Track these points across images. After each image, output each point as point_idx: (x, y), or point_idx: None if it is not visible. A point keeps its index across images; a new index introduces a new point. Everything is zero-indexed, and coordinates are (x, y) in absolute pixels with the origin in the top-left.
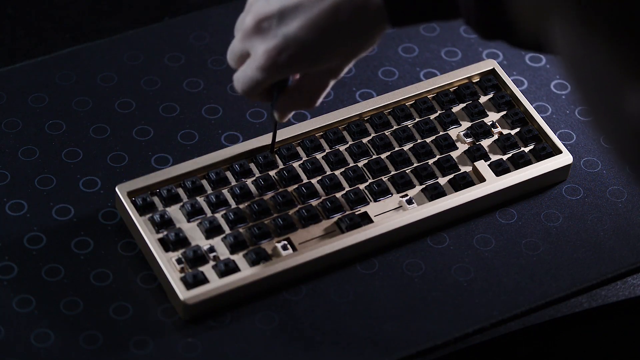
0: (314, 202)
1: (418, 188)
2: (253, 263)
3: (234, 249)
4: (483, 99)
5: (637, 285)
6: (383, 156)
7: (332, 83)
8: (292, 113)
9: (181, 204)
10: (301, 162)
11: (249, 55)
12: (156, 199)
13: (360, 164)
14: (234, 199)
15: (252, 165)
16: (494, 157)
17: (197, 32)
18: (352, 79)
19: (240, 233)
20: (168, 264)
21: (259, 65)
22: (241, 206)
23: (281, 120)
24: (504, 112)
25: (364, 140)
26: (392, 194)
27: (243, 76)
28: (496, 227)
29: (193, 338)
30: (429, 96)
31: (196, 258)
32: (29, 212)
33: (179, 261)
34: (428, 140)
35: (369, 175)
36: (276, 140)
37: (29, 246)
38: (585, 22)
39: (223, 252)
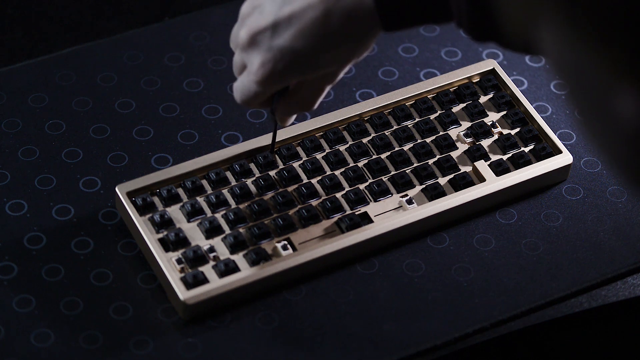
0: (314, 202)
1: (418, 188)
2: (253, 263)
3: (234, 249)
4: (483, 99)
5: (637, 285)
6: (383, 156)
7: (328, 88)
8: (294, 117)
9: (181, 204)
10: (301, 162)
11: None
12: (156, 199)
13: (360, 164)
14: (234, 199)
15: (252, 165)
16: (494, 157)
17: (197, 32)
18: (352, 79)
19: (240, 233)
20: (168, 264)
21: (255, 79)
22: (241, 206)
23: (283, 124)
24: (504, 112)
25: (364, 140)
26: (392, 194)
27: (241, 87)
28: (496, 227)
29: (193, 338)
30: (429, 96)
31: (196, 258)
32: (29, 212)
33: (179, 261)
34: (428, 140)
35: (369, 175)
36: (276, 140)
37: (29, 246)
38: (573, 25)
39: (223, 252)
